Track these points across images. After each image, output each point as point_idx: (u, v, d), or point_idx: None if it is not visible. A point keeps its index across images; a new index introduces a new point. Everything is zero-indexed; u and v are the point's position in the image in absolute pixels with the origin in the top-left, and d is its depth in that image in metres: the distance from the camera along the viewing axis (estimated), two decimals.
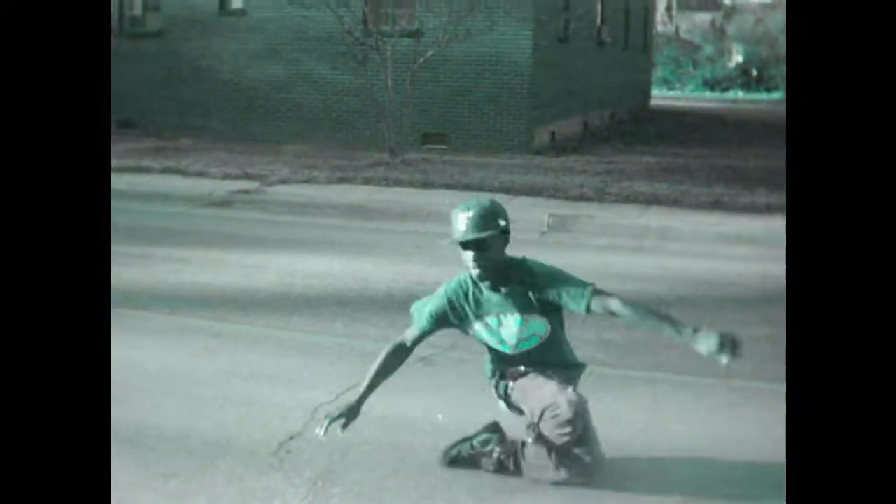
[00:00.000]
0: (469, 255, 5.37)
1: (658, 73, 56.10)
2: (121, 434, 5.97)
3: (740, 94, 58.66)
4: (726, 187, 17.04)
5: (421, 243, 12.37)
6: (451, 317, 5.57)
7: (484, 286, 5.48)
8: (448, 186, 16.22)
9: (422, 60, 19.45)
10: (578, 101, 26.10)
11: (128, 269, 10.35)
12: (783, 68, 59.27)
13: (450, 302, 5.56)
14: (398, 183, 16.47)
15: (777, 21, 60.81)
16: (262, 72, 23.12)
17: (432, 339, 7.98)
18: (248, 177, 16.87)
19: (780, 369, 7.52)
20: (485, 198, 5.63)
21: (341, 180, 16.70)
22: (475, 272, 5.38)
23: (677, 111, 39.30)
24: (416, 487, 5.40)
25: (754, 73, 60.94)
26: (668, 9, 64.39)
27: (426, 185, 16.38)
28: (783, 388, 7.08)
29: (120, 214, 13.99)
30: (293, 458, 5.76)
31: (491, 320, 5.53)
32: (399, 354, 5.73)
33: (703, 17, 65.27)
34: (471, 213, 5.35)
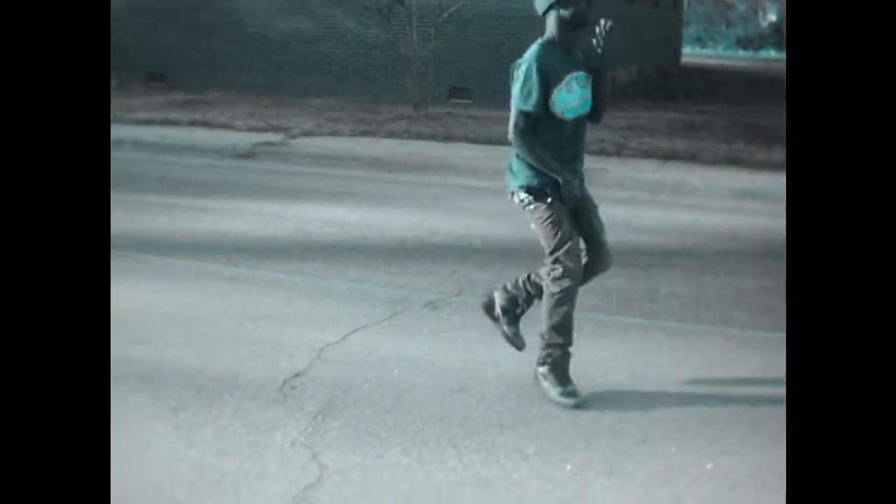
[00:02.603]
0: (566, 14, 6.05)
1: (690, 31, 55.94)
2: (137, 371, 6.30)
3: (772, 52, 58.38)
4: (745, 144, 17.14)
5: (438, 195, 12.66)
6: (544, 86, 5.93)
7: (560, 46, 6.08)
8: (469, 140, 16.43)
9: (445, 15, 19.61)
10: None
11: (152, 217, 10.73)
12: None
13: (542, 71, 5.93)
14: (420, 136, 16.68)
15: None
16: (290, 25, 23.29)
17: (439, 284, 8.34)
18: (272, 129, 17.12)
19: (777, 319, 7.81)
20: None
21: (364, 133, 16.94)
22: (580, 22, 6.04)
23: (708, 69, 39.23)
24: (411, 422, 5.68)
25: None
26: None
27: (447, 138, 16.59)
28: (780, 336, 7.39)
29: (148, 165, 14.39)
30: (297, 393, 6.06)
31: (570, 78, 6.02)
32: (532, 139, 6.05)
33: None
34: None
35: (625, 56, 28.12)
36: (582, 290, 8.44)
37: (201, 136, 16.67)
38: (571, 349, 6.20)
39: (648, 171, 14.37)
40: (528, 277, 6.50)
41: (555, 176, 6.03)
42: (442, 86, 21.44)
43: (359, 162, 14.81)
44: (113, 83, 24.90)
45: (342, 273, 8.79)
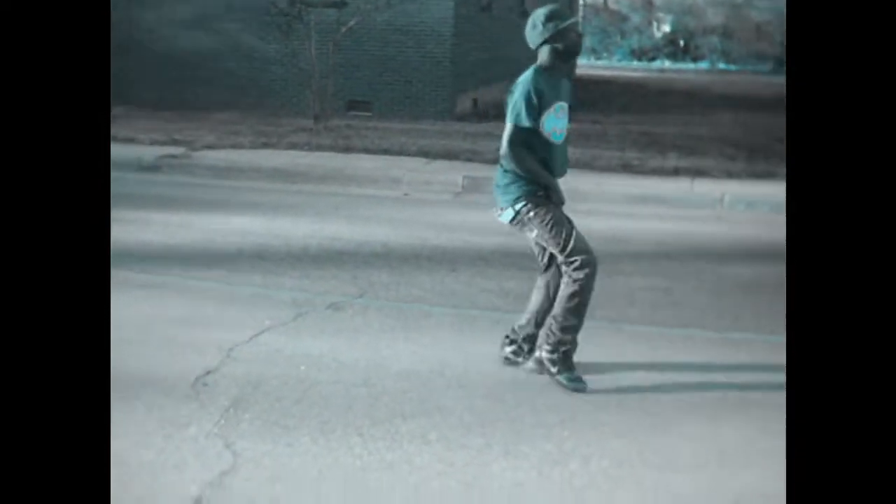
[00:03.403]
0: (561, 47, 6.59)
1: (585, 42, 56.64)
2: None
3: (667, 63, 59.44)
4: (639, 152, 17.65)
5: (339, 203, 12.98)
6: (539, 106, 6.45)
7: (552, 74, 6.61)
8: (368, 151, 16.71)
9: (344, 29, 19.89)
10: (502, 69, 26.49)
11: None
12: (709, 39, 60.16)
13: (538, 92, 6.45)
14: (320, 148, 16.93)
15: None
16: (191, 41, 23.35)
17: (342, 287, 8.66)
18: (175, 143, 17.24)
19: (664, 315, 8.25)
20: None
21: (265, 145, 17.16)
22: (572, 53, 6.69)
23: (602, 80, 39.94)
24: (317, 414, 5.99)
25: (681, 43, 61.73)
26: None
27: (347, 149, 16.87)
28: (667, 331, 7.83)
29: None
30: (209, 390, 6.33)
31: (556, 107, 6.56)
32: (527, 153, 6.52)
33: None
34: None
35: (521, 69, 28.55)
36: (479, 289, 8.88)
37: None
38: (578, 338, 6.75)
39: None
40: (552, 320, 6.78)
41: (545, 182, 6.54)
42: (341, 99, 21.72)
43: (260, 173, 15.04)
44: None
45: (247, 279, 9.06)
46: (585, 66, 47.34)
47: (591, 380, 6.70)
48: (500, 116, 20.24)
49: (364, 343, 7.32)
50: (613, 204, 13.59)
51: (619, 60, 59.82)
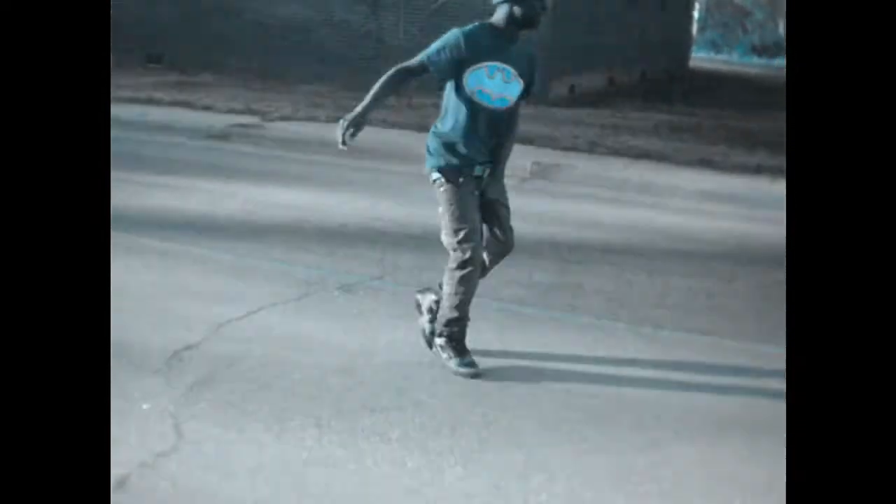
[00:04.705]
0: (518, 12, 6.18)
1: (707, 35, 55.82)
2: None
3: None
4: (727, 147, 17.04)
5: (394, 183, 12.67)
6: (461, 56, 6.13)
7: (500, 35, 6.24)
8: None
9: (434, 6, 19.59)
10: (604, 57, 26.02)
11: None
12: None
13: (467, 41, 6.12)
14: (396, 125, 16.60)
15: None
16: (288, 12, 23.25)
17: (363, 268, 8.36)
18: (251, 112, 17.11)
19: (699, 320, 7.78)
20: None
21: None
22: (528, 23, 6.21)
23: (717, 74, 39.01)
24: (282, 400, 5.67)
25: None
26: None
27: (424, 129, 16.50)
28: (694, 337, 7.38)
29: (116, 143, 14.38)
30: (182, 365, 6.06)
31: (490, 66, 6.17)
32: (401, 77, 6.33)
33: None
34: None
35: (626, 57, 28.03)
36: (505, 280, 8.50)
37: (180, 116, 16.69)
38: (468, 322, 6.39)
39: (616, 168, 14.34)
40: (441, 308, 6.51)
41: (361, 107, 6.24)
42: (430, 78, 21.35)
43: (327, 148, 14.70)
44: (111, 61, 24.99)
45: (268, 253, 8.78)
46: (703, 59, 46.52)
47: (589, 386, 6.31)
48: (594, 103, 19.72)
49: (361, 328, 6.98)
50: (682, 199, 13.08)
51: (741, 56, 58.66)
